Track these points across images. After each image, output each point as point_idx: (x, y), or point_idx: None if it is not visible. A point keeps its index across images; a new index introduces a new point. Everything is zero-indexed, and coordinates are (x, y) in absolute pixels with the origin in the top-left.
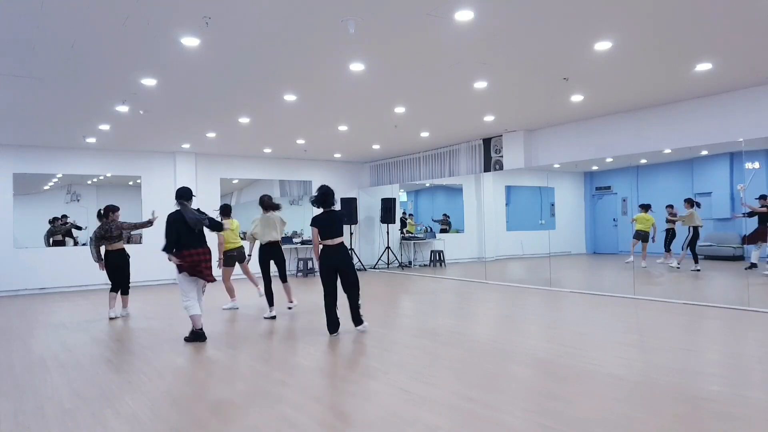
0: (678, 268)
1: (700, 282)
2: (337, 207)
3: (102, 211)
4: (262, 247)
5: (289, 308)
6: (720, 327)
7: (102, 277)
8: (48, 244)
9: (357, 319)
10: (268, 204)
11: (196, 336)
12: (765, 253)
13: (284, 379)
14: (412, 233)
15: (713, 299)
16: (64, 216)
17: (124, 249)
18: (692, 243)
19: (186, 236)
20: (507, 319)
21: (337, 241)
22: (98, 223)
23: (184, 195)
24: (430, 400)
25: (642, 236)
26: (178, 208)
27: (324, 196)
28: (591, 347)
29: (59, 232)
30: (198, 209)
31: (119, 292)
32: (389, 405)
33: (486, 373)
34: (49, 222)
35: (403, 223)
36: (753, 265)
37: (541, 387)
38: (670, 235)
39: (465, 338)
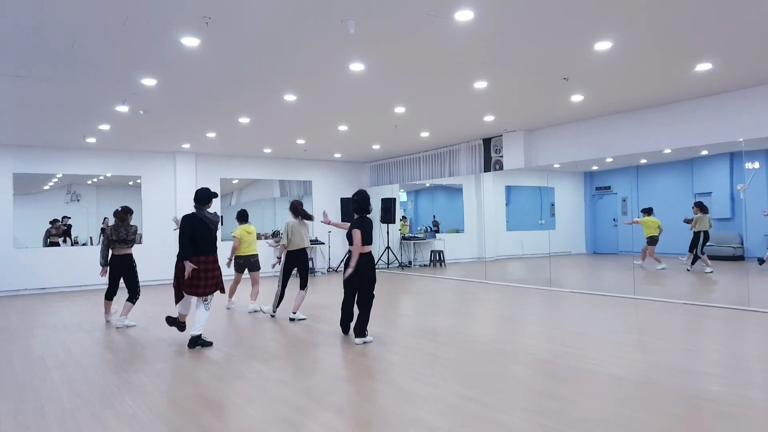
0: (689, 270)
1: (700, 282)
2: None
3: (121, 210)
4: (292, 253)
5: (292, 319)
6: (720, 327)
7: (101, 277)
8: (45, 244)
9: (360, 331)
10: (301, 212)
11: (172, 321)
12: None
13: (284, 379)
14: (404, 234)
15: (713, 299)
16: (65, 217)
17: (131, 255)
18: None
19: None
20: (507, 319)
21: (369, 248)
22: (105, 225)
23: (200, 198)
24: (430, 400)
25: (653, 240)
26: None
27: (364, 202)
28: (591, 347)
29: (57, 235)
30: (214, 212)
31: (126, 299)
32: (389, 405)
33: (486, 373)
34: (50, 223)
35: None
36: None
37: (541, 387)
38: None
39: (465, 338)
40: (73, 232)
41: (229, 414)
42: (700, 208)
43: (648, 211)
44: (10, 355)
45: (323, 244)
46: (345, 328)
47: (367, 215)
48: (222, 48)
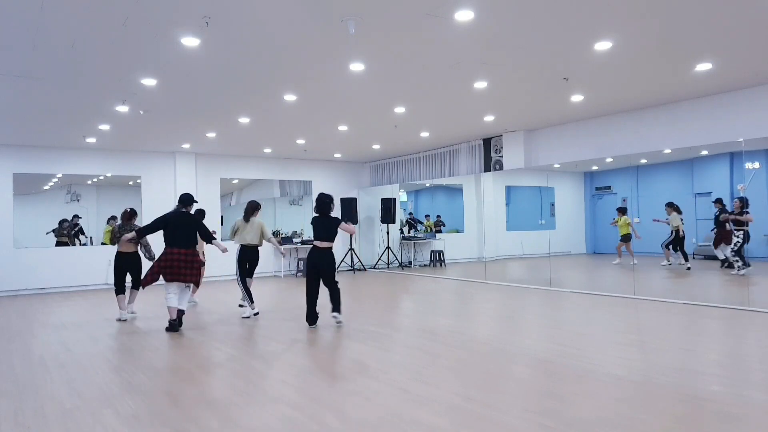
0: (670, 264)
1: (699, 282)
2: (337, 215)
3: (129, 212)
4: (244, 249)
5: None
6: (720, 327)
7: (101, 277)
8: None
9: (335, 307)
10: (255, 208)
11: (170, 325)
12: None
13: (284, 379)
14: (430, 231)
15: (713, 299)
16: (76, 216)
17: (136, 252)
18: (681, 243)
19: (170, 235)
20: (507, 319)
21: (323, 244)
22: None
23: (185, 201)
24: (430, 400)
25: (626, 238)
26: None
27: (319, 203)
28: (591, 347)
29: (66, 235)
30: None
31: (129, 292)
32: (389, 405)
33: (486, 373)
34: (59, 224)
35: (410, 225)
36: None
37: (541, 387)
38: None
39: (465, 338)
40: (81, 238)
41: (229, 414)
42: (673, 208)
43: (623, 211)
44: (10, 355)
45: None
46: (310, 321)
47: (330, 215)
48: (222, 48)
